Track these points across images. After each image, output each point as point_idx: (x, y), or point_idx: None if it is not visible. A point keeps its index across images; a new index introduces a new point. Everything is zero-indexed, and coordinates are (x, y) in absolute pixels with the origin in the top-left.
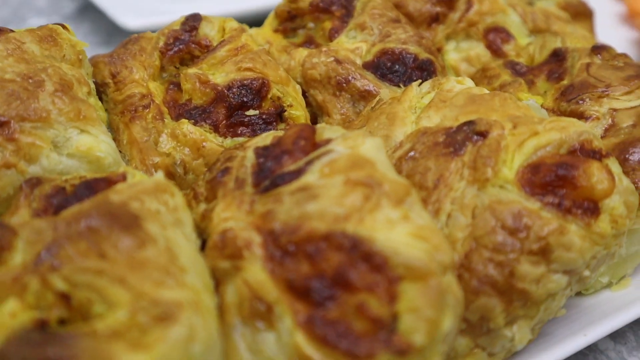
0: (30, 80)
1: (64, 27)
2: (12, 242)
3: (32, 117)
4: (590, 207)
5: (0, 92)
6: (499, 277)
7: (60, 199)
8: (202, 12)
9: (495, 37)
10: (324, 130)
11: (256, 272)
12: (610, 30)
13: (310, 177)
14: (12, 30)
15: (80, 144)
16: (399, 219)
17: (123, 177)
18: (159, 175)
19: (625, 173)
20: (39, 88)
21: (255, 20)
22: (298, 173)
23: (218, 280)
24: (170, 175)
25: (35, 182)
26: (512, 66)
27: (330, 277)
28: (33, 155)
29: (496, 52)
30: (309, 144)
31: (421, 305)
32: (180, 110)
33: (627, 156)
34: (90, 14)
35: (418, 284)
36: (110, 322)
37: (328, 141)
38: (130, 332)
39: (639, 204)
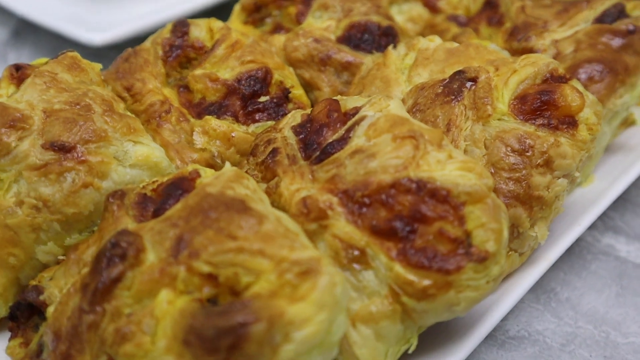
0: (78, 106)
1: (73, 52)
2: (143, 244)
3: (94, 138)
4: (571, 121)
5: (57, 121)
6: (519, 191)
7: (152, 203)
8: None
9: None
10: (346, 101)
11: (342, 226)
12: None
13: (359, 141)
14: (34, 66)
15: (138, 154)
16: (446, 159)
17: (197, 174)
18: (229, 165)
19: None
20: (89, 112)
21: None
22: (344, 140)
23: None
24: (210, 166)
25: (120, 194)
26: (455, 19)
27: (407, 215)
28: (104, 172)
29: (433, 8)
30: (340, 114)
31: (486, 220)
32: (198, 109)
33: (577, 76)
34: (26, 35)
35: (479, 205)
36: (265, 286)
37: (356, 109)
38: (283, 290)
39: None
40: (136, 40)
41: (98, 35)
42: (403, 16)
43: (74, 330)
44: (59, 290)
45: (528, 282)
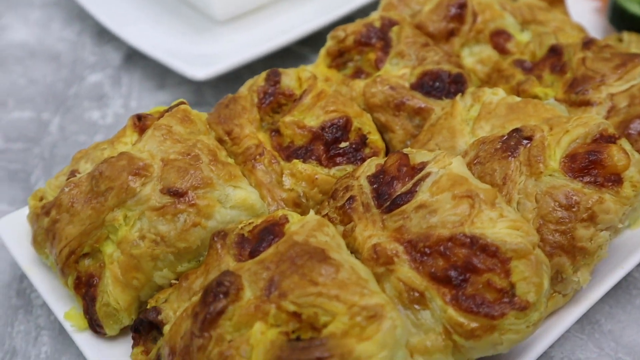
0: (189, 157)
1: (183, 103)
2: (242, 283)
3: (202, 185)
4: (616, 179)
5: (172, 170)
6: (564, 242)
7: (248, 244)
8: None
9: (499, 38)
10: (415, 155)
11: (406, 271)
12: (577, 5)
13: (423, 196)
14: (153, 117)
15: (237, 198)
16: (497, 217)
17: (286, 219)
18: (312, 214)
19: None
20: (198, 161)
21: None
22: (411, 193)
23: (376, 281)
24: (296, 205)
25: (223, 235)
26: (520, 64)
27: (461, 266)
28: (209, 213)
29: (502, 50)
30: (409, 168)
31: (529, 274)
32: (287, 152)
33: (628, 131)
34: (137, 61)
35: (523, 261)
36: (338, 326)
37: (422, 164)
38: (353, 330)
39: None
40: (232, 73)
41: (201, 70)
42: (473, 58)
43: (186, 349)
44: (173, 311)
45: (569, 320)
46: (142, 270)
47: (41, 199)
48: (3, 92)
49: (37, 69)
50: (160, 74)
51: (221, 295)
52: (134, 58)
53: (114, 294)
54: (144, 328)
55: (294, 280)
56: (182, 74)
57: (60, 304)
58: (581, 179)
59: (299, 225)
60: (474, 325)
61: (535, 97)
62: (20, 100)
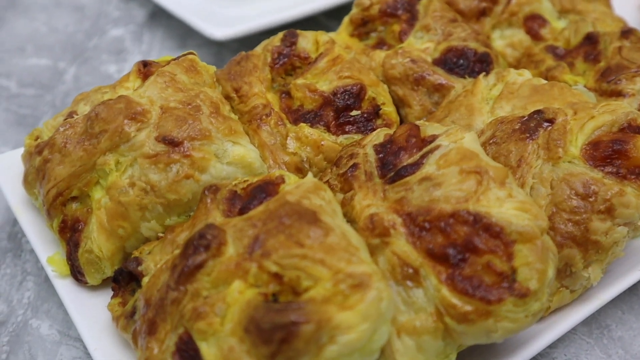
0: (190, 106)
1: (192, 54)
2: (225, 238)
3: (199, 136)
4: None
5: (170, 118)
6: (577, 233)
7: (239, 201)
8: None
9: (533, 24)
10: (427, 127)
11: (402, 245)
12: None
13: (429, 169)
14: (159, 64)
15: (235, 154)
16: (505, 197)
17: (282, 180)
18: (310, 176)
19: None
20: (198, 112)
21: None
22: (417, 165)
23: (370, 253)
24: (298, 170)
25: (215, 189)
26: (553, 50)
27: (461, 244)
28: (204, 166)
29: (535, 36)
30: (419, 140)
31: (532, 260)
32: (295, 115)
33: None
34: (161, 19)
35: (528, 245)
36: (320, 292)
37: (433, 137)
38: (336, 298)
39: None
40: (255, 35)
41: (220, 30)
42: (504, 41)
43: (161, 302)
44: (155, 264)
45: (575, 319)
46: (128, 220)
47: (37, 138)
48: (23, 38)
49: (60, 19)
50: (182, 34)
51: (202, 249)
52: (158, 16)
53: (97, 241)
54: (124, 279)
55: (279, 240)
56: (201, 32)
57: (46, 248)
58: (602, 168)
59: (294, 186)
60: (468, 308)
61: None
62: (39, 47)
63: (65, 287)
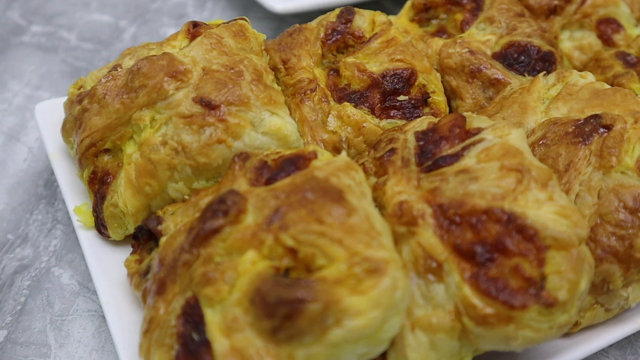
0: (232, 71)
1: (244, 19)
2: (246, 206)
3: (237, 102)
4: None
5: (210, 80)
6: (620, 248)
7: (267, 171)
8: None
9: (607, 28)
10: (473, 119)
11: (429, 237)
12: None
13: (469, 161)
14: (209, 26)
15: (272, 124)
16: (545, 199)
17: (315, 155)
18: (344, 155)
19: None
20: (240, 77)
21: None
22: (457, 157)
23: (395, 241)
24: (336, 150)
25: (245, 157)
26: (624, 57)
27: (490, 243)
28: (238, 133)
29: (607, 41)
30: (463, 131)
31: (565, 269)
32: (341, 94)
33: None
34: None
35: (562, 253)
36: (333, 272)
37: (478, 130)
38: (349, 280)
39: None
40: (315, 12)
41: (280, 3)
42: (572, 43)
43: (174, 263)
44: (175, 225)
45: (607, 340)
46: (157, 178)
47: (80, 87)
48: None
49: None
50: (244, 5)
51: (220, 214)
52: None
53: (123, 196)
54: (143, 236)
55: (300, 214)
56: (262, 4)
57: (75, 198)
58: None
59: (324, 162)
60: (489, 310)
61: None
62: (104, 4)
63: (88, 239)
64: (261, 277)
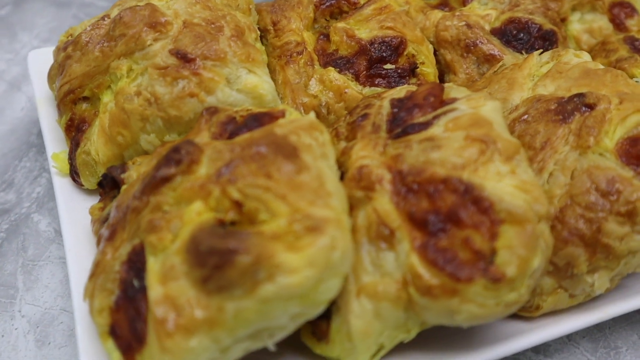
0: (212, 25)
1: None
2: (200, 157)
3: (213, 56)
4: None
5: (190, 33)
6: (587, 231)
7: (232, 126)
8: None
9: (620, 12)
10: (451, 89)
11: (384, 203)
12: None
13: (436, 130)
14: None
15: (248, 82)
16: (507, 173)
17: (282, 114)
18: (312, 115)
19: None
20: (219, 32)
21: None
22: (426, 125)
23: (352, 206)
24: (315, 114)
25: (213, 111)
26: (632, 42)
27: (444, 213)
28: (211, 88)
29: (619, 26)
30: (437, 100)
31: (516, 244)
32: (328, 59)
33: None
34: None
35: (516, 227)
36: (272, 227)
37: (454, 100)
38: (286, 237)
39: None
40: None
41: None
42: (582, 25)
43: (126, 209)
44: (138, 174)
45: (569, 327)
46: (129, 128)
47: (70, 36)
48: None
49: None
50: None
51: (173, 162)
52: None
53: (96, 144)
54: (108, 184)
55: (250, 168)
56: None
57: (57, 144)
58: (635, 168)
59: (287, 120)
60: (434, 281)
61: (632, 77)
62: None
63: (62, 185)
64: (201, 227)
